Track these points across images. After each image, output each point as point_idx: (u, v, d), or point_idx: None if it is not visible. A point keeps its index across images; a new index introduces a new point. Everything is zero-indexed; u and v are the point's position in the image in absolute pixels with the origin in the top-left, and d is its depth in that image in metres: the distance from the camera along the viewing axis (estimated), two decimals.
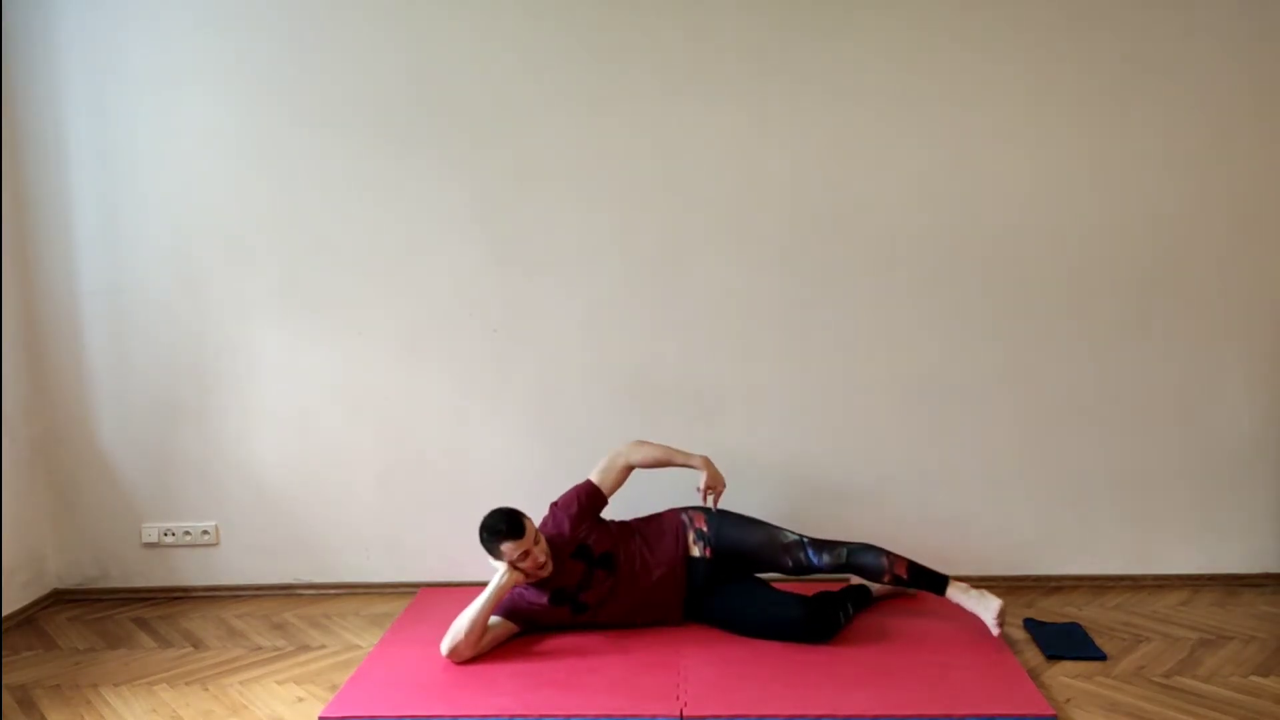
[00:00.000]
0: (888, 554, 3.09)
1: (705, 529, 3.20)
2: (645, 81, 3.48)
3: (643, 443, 3.29)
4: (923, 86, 3.45)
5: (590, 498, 3.23)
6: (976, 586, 3.54)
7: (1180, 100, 3.43)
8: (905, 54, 3.44)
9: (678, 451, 3.25)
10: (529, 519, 3.05)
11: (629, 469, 3.26)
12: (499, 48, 3.48)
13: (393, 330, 3.60)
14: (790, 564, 3.13)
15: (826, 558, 3.09)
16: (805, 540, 3.14)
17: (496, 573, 3.01)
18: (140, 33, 3.48)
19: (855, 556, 3.08)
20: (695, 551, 3.19)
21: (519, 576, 3.03)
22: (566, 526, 3.18)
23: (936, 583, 3.09)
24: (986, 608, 3.01)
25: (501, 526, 3.00)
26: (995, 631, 2.98)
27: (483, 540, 3.04)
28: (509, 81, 3.48)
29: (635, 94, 3.48)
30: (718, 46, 3.45)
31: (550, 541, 3.15)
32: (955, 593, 3.08)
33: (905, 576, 3.07)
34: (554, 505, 3.27)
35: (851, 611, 3.14)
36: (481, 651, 2.99)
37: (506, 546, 2.99)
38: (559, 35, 3.47)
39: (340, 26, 3.48)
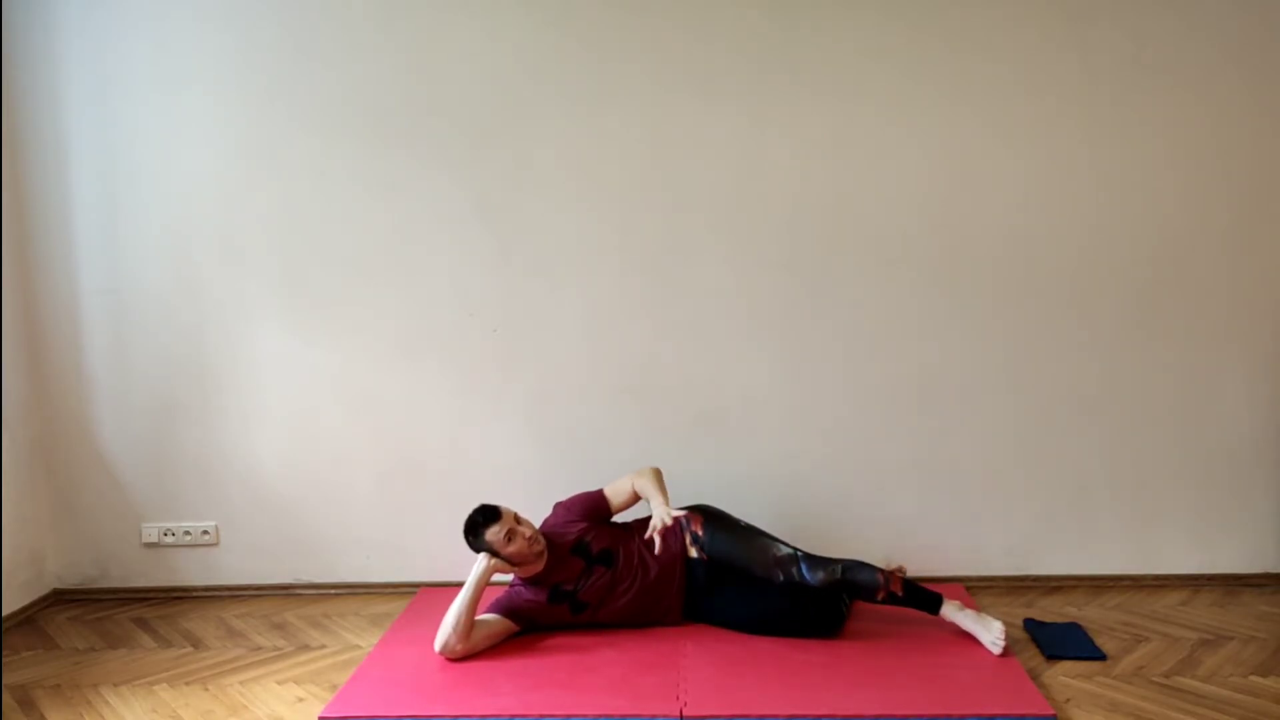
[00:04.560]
0: (882, 571, 3.05)
1: (700, 533, 3.19)
2: (645, 81, 3.48)
3: (654, 474, 3.23)
4: (923, 86, 3.45)
5: (595, 504, 3.26)
6: (971, 589, 3.57)
7: (1181, 100, 3.43)
8: (905, 54, 3.44)
9: (661, 492, 3.18)
10: (505, 506, 3.10)
11: (635, 493, 3.25)
12: (498, 47, 3.48)
13: (393, 330, 3.60)
14: (782, 578, 3.09)
15: (820, 574, 3.05)
16: (800, 555, 3.10)
17: (475, 563, 3.05)
18: (140, 33, 3.48)
19: (850, 573, 3.04)
20: (692, 553, 3.19)
21: (498, 564, 3.06)
22: (566, 520, 3.22)
23: (930, 602, 3.06)
24: (987, 629, 2.97)
25: (478, 518, 3.07)
26: (996, 651, 2.92)
27: (469, 542, 3.09)
28: (508, 81, 3.49)
29: (635, 94, 3.48)
30: (717, 46, 3.45)
31: (549, 533, 3.17)
32: (950, 611, 3.04)
33: (900, 594, 3.04)
34: (558, 503, 3.31)
35: (848, 600, 3.14)
36: (478, 649, 3.00)
37: (491, 533, 3.03)
38: (558, 35, 3.47)
39: (340, 27, 3.48)
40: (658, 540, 3.07)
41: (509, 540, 3.03)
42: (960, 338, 3.55)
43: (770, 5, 3.43)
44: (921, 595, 3.06)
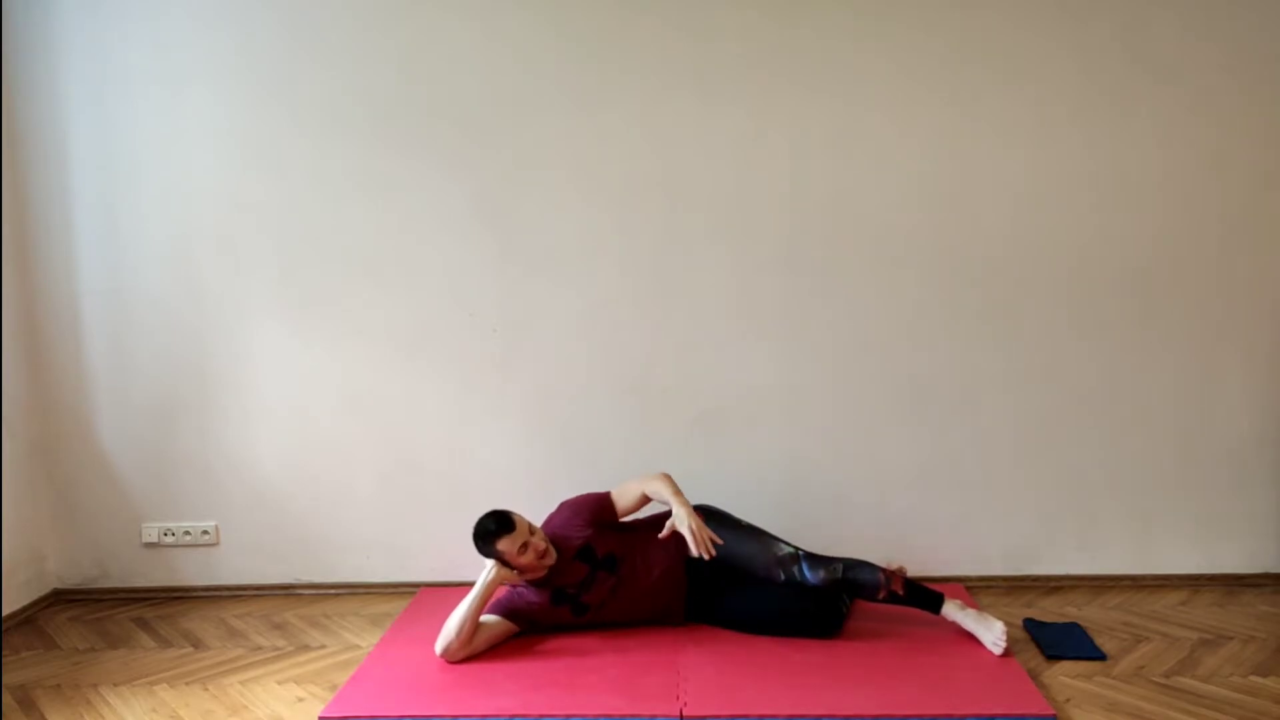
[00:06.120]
0: (884, 570, 3.05)
1: None
2: (645, 80, 3.48)
3: (666, 478, 3.15)
4: (923, 86, 3.45)
5: (601, 507, 3.22)
6: (971, 589, 3.57)
7: (1180, 101, 3.43)
8: (905, 54, 3.44)
9: (679, 494, 3.09)
10: (517, 514, 3.06)
11: (644, 497, 3.19)
12: (498, 47, 3.48)
13: (393, 330, 3.60)
14: (783, 577, 3.08)
15: (821, 573, 3.04)
16: (801, 554, 3.09)
17: (484, 570, 3.03)
18: (140, 33, 3.49)
19: (851, 572, 3.04)
20: (693, 552, 3.17)
21: (506, 573, 3.04)
22: (571, 523, 3.19)
23: (932, 601, 3.05)
24: (988, 628, 2.97)
25: (492, 526, 3.03)
26: (998, 652, 2.92)
27: (479, 548, 3.06)
28: (508, 81, 3.49)
29: (635, 93, 3.48)
30: (717, 45, 3.45)
31: (553, 536, 3.16)
32: (951, 610, 3.03)
33: (901, 593, 3.03)
34: (565, 503, 3.28)
35: (848, 600, 3.14)
36: (478, 651, 2.99)
37: (503, 544, 3.00)
38: (558, 35, 3.47)
39: (339, 26, 3.48)
40: (670, 530, 3.00)
41: (522, 551, 3.01)
42: (960, 337, 3.55)
43: (770, 5, 3.43)
44: (923, 594, 3.06)
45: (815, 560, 3.08)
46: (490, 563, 3.04)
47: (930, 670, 2.85)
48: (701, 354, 3.58)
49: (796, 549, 3.12)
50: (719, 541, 3.03)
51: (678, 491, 3.11)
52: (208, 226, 3.56)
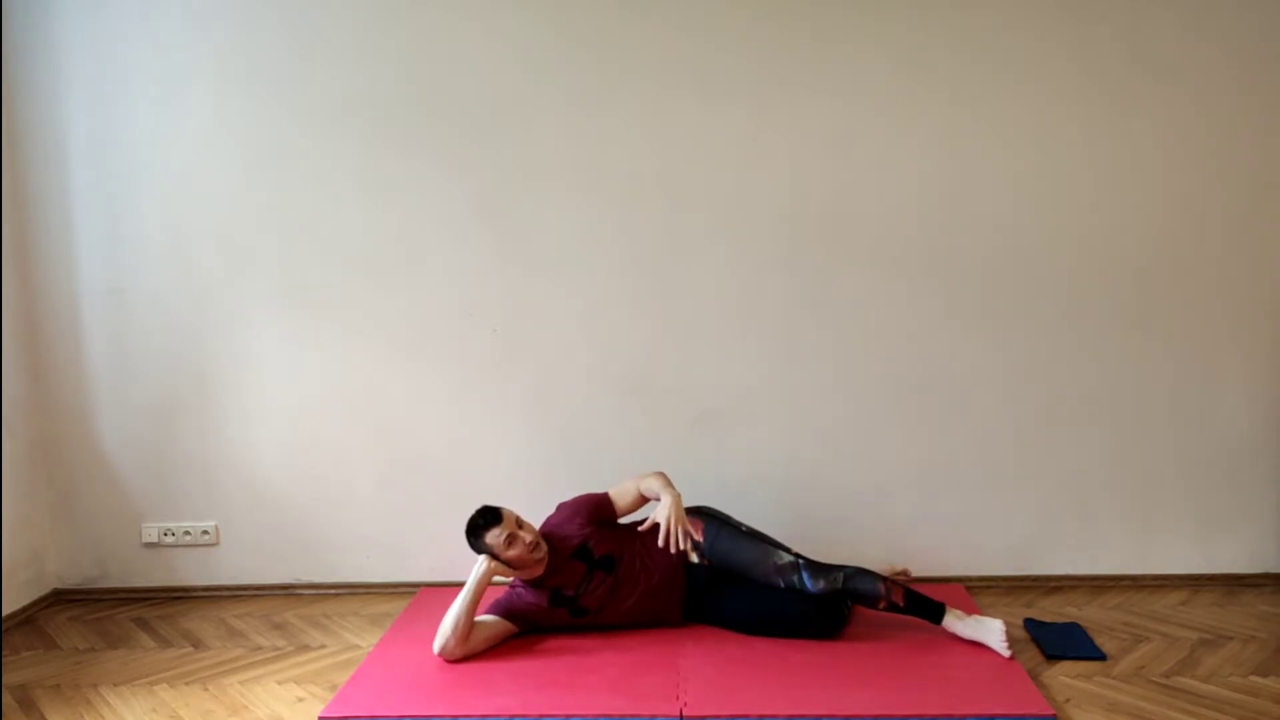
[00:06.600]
0: (884, 580, 3.03)
1: (700, 539, 3.18)
2: (645, 81, 3.48)
3: (659, 474, 3.19)
4: (922, 86, 3.45)
5: (599, 506, 3.23)
6: (971, 589, 3.57)
7: (1179, 101, 3.43)
8: (904, 54, 3.44)
9: (670, 487, 3.14)
10: (507, 509, 3.09)
11: (641, 496, 3.22)
12: (498, 47, 3.48)
13: (393, 330, 3.60)
14: (782, 585, 3.07)
15: (821, 582, 3.02)
16: (801, 562, 3.06)
17: (475, 565, 3.05)
18: (140, 33, 3.49)
19: (851, 582, 3.01)
20: (693, 558, 3.18)
21: (497, 566, 3.05)
22: (569, 522, 3.20)
23: (933, 611, 3.03)
24: (989, 631, 2.95)
25: (479, 520, 3.06)
26: (1007, 654, 2.89)
27: (470, 543, 3.09)
28: (509, 81, 3.49)
29: (635, 94, 3.48)
30: (717, 46, 3.45)
31: (550, 535, 3.16)
32: (951, 621, 3.01)
33: (901, 604, 3.01)
34: (562, 504, 3.30)
35: (849, 603, 3.13)
36: (476, 650, 3.00)
37: (490, 536, 3.03)
38: (558, 35, 3.47)
39: (340, 26, 3.48)
40: (651, 522, 3.07)
41: (509, 544, 3.03)
42: (960, 337, 3.55)
43: (770, 5, 3.43)
44: (924, 605, 3.03)
45: (816, 569, 3.05)
46: (482, 558, 3.05)
47: (930, 670, 2.85)
48: (701, 354, 3.58)
49: (797, 557, 3.09)
50: (693, 539, 3.07)
51: (669, 485, 3.14)
52: (208, 226, 3.57)
